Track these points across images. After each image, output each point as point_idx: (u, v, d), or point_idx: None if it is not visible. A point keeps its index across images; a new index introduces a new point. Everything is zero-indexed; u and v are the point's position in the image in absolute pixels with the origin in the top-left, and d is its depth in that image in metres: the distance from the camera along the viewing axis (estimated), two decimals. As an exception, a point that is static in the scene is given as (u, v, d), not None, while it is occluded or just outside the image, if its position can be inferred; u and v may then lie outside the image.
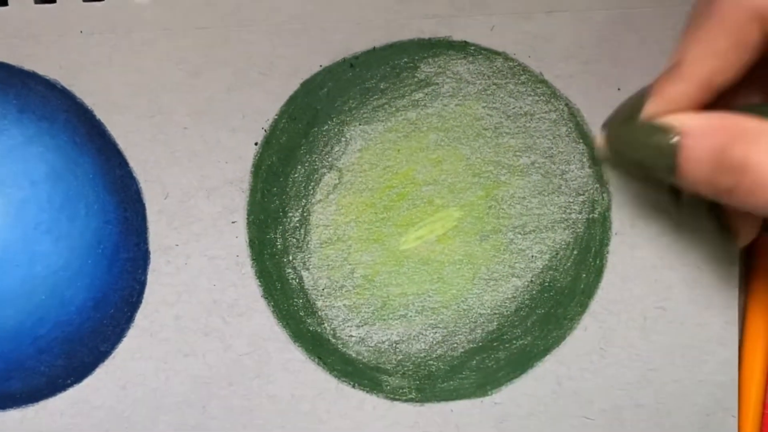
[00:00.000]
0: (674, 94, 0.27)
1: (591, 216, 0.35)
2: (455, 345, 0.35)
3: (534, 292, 0.35)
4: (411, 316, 0.35)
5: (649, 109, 0.28)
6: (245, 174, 0.35)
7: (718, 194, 0.26)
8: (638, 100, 0.29)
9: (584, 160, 0.35)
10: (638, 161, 0.29)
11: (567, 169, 0.35)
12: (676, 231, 0.34)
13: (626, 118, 0.29)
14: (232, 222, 0.35)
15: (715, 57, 0.26)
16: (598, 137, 0.31)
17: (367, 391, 0.36)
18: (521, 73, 0.35)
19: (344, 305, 0.35)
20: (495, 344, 0.35)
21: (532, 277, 0.35)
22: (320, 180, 0.35)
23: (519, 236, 0.35)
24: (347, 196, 0.35)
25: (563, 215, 0.35)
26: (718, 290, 0.34)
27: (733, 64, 0.26)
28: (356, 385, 0.36)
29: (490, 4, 0.34)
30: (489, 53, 0.35)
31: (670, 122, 0.27)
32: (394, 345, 0.35)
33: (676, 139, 0.26)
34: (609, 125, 0.31)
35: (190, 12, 0.35)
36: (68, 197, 0.35)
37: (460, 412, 0.35)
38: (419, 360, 0.36)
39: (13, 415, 0.36)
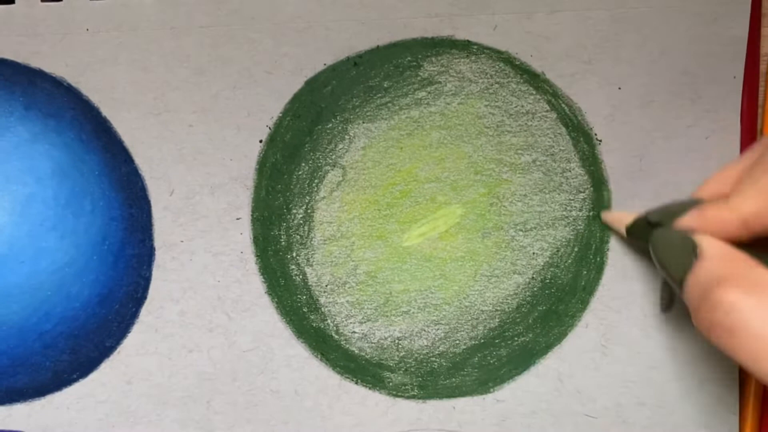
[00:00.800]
0: (715, 220, 0.28)
1: (591, 213, 0.35)
2: (457, 342, 0.36)
3: (535, 288, 0.35)
4: (413, 313, 0.36)
5: (688, 220, 0.29)
6: (250, 171, 0.36)
7: (698, 325, 0.27)
8: (683, 207, 0.29)
9: (585, 158, 0.35)
10: (660, 260, 0.30)
11: (568, 167, 0.35)
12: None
13: (666, 216, 0.30)
14: (237, 219, 0.36)
15: (763, 201, 0.26)
16: (632, 215, 0.33)
17: (370, 388, 0.36)
18: (523, 72, 0.35)
19: (347, 302, 0.36)
20: (497, 341, 0.36)
21: (533, 274, 0.35)
22: (324, 177, 0.35)
23: (520, 233, 0.35)
24: (351, 194, 0.35)
25: (564, 212, 0.35)
26: (718, 288, 0.35)
27: None
28: (359, 381, 0.36)
29: (493, 4, 0.35)
30: (491, 52, 0.35)
31: (698, 239, 0.28)
32: (396, 341, 0.36)
33: (695, 255, 0.27)
34: (649, 215, 0.32)
35: (195, 11, 0.35)
36: (74, 194, 0.35)
37: (462, 409, 0.36)
38: (421, 357, 0.36)
39: (20, 409, 0.36)
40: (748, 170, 0.27)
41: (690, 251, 0.27)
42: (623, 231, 0.34)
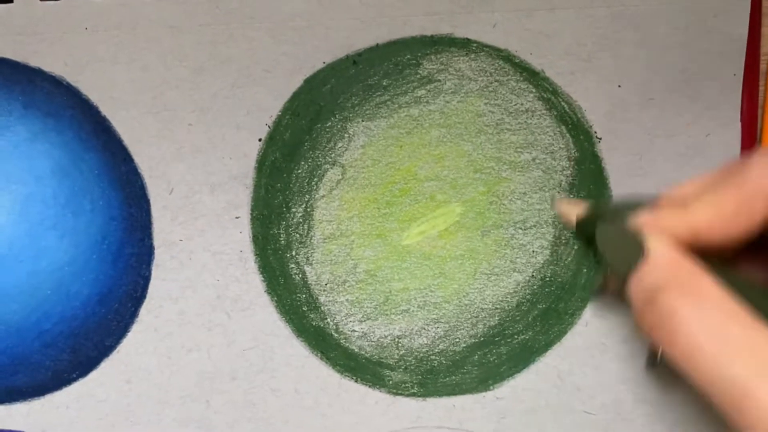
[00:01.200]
0: (668, 224, 0.27)
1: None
2: (457, 340, 0.36)
3: (535, 286, 0.35)
4: (413, 311, 0.36)
5: (641, 219, 0.28)
6: (249, 170, 0.36)
7: (639, 324, 0.27)
8: (638, 204, 0.29)
9: (584, 156, 0.35)
10: (605, 252, 0.29)
11: (567, 165, 0.35)
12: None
13: (618, 212, 0.30)
14: (236, 217, 0.36)
15: (719, 216, 0.26)
16: (579, 208, 0.33)
17: (370, 386, 0.36)
18: (523, 70, 0.35)
19: (347, 300, 0.36)
20: (496, 339, 0.36)
21: (533, 272, 0.35)
22: (323, 176, 0.35)
23: (520, 231, 0.35)
24: (350, 192, 0.35)
25: (564, 211, 0.35)
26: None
27: (733, 230, 0.26)
28: (359, 379, 0.36)
29: (492, 2, 0.35)
30: (491, 50, 0.35)
31: (649, 240, 0.27)
32: (396, 340, 0.36)
33: (643, 256, 0.27)
34: (604, 206, 0.31)
35: (194, 9, 0.35)
36: (73, 193, 0.35)
37: (462, 406, 0.36)
38: (421, 355, 0.36)
39: (20, 408, 0.36)
40: (713, 185, 0.27)
41: (638, 249, 0.27)
42: (572, 222, 0.33)
